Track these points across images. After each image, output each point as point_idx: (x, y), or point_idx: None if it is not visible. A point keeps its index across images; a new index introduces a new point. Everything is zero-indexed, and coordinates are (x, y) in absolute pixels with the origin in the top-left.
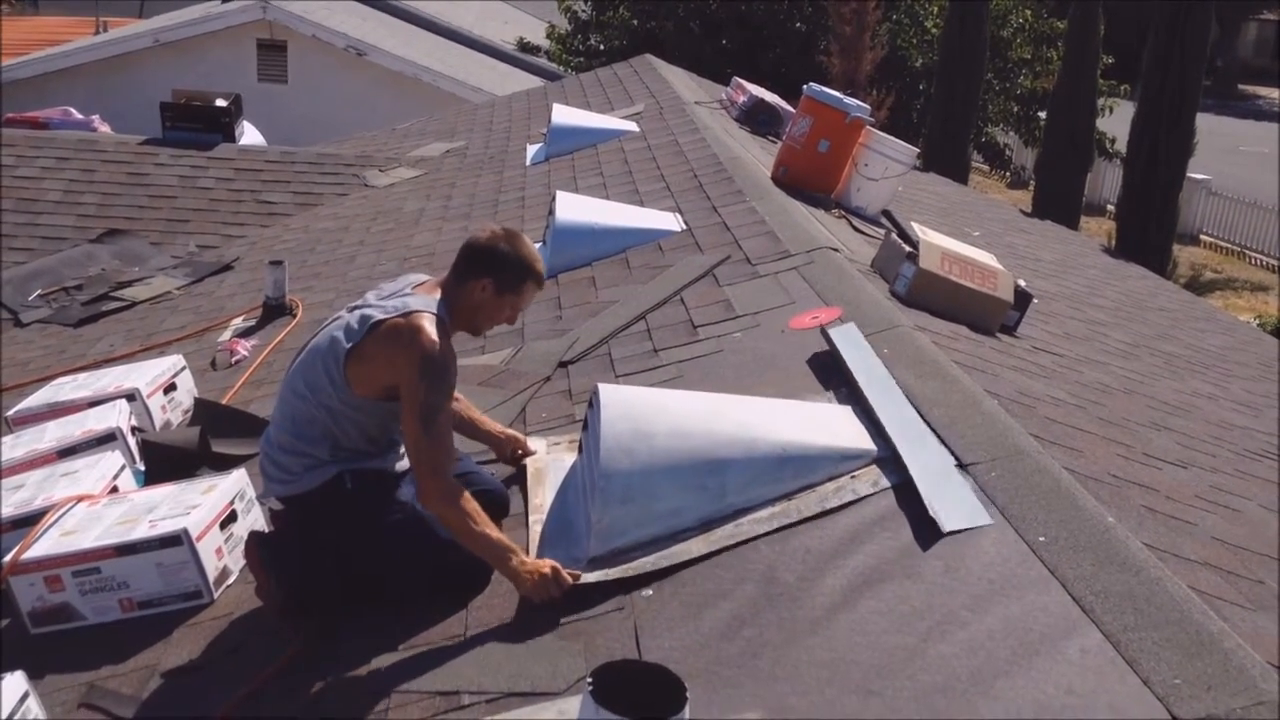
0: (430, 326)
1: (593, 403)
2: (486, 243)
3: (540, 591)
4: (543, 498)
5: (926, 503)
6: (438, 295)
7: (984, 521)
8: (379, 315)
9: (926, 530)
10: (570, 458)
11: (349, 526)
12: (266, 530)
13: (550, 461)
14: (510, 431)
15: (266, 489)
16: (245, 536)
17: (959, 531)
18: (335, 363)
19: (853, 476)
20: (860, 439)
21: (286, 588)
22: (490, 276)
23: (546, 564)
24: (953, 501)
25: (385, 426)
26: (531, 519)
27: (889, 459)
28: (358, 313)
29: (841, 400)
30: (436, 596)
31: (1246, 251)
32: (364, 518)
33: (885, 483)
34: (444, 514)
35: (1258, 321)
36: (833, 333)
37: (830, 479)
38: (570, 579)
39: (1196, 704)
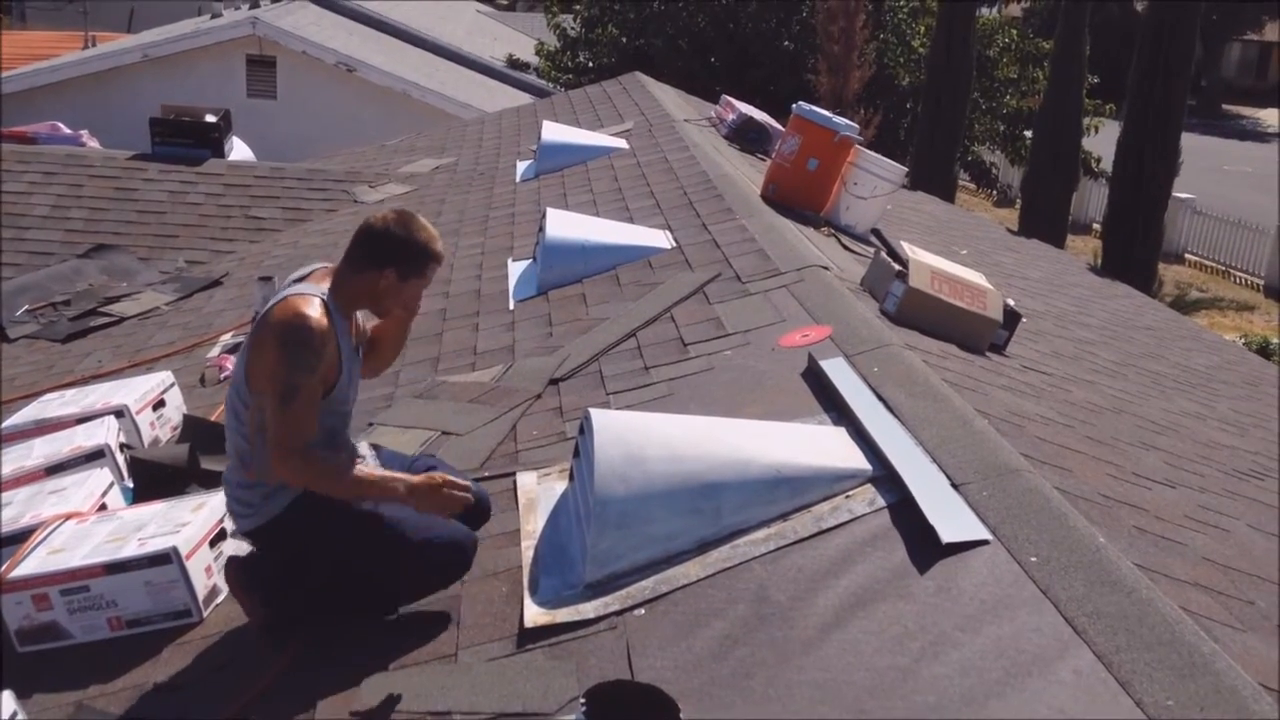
0: (299, 304)
1: (584, 428)
2: (382, 230)
3: (441, 503)
4: (534, 524)
5: (926, 514)
6: (327, 284)
7: (982, 535)
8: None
9: (920, 549)
10: (561, 486)
11: (320, 542)
12: (244, 554)
13: (541, 491)
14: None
15: (236, 526)
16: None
17: (956, 545)
18: (241, 380)
19: (848, 496)
20: (854, 458)
21: (271, 606)
22: (392, 266)
23: (437, 476)
24: (950, 516)
25: (320, 427)
26: (524, 544)
27: (884, 478)
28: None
29: (834, 422)
30: (421, 589)
31: (1231, 270)
32: (332, 531)
33: (881, 502)
34: (305, 478)
35: (1243, 340)
36: (824, 364)
37: (825, 499)
38: (462, 488)
39: None
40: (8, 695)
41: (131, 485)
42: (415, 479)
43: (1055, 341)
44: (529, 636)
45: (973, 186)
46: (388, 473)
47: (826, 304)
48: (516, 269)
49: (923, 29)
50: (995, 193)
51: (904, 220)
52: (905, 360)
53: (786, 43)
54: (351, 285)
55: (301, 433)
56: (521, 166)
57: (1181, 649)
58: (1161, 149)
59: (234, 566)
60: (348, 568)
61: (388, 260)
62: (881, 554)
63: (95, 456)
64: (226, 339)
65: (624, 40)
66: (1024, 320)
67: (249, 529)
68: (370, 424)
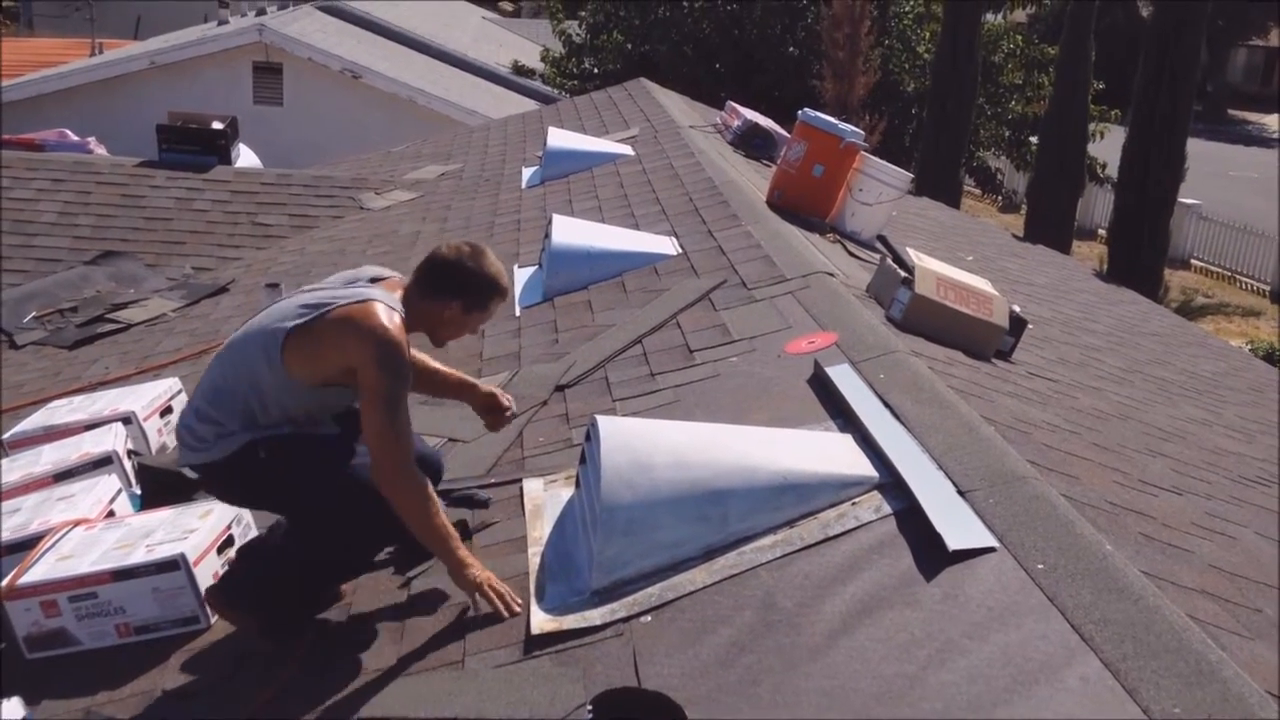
0: (388, 318)
1: (590, 435)
2: (454, 261)
3: (486, 595)
4: (541, 531)
5: (932, 521)
6: (398, 295)
7: (989, 543)
8: (334, 301)
9: (927, 556)
10: (567, 492)
11: (268, 493)
12: (215, 580)
13: (548, 497)
14: (489, 387)
15: (181, 457)
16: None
17: (963, 552)
18: (274, 341)
19: (854, 503)
20: (860, 465)
21: (260, 613)
22: (459, 299)
23: (492, 579)
24: (957, 523)
25: (312, 412)
26: (530, 551)
27: (890, 485)
28: (313, 295)
29: (841, 428)
30: (384, 540)
31: (1237, 276)
32: (282, 483)
33: (887, 509)
34: (406, 506)
35: (1249, 346)
36: (830, 371)
37: (832, 505)
38: (515, 606)
39: None
40: (17, 701)
41: (139, 492)
42: (474, 561)
43: (1061, 348)
44: (536, 643)
45: (978, 192)
46: (454, 531)
47: (832, 310)
48: (522, 275)
49: (928, 35)
50: (1001, 198)
51: (909, 226)
52: (911, 367)
53: (791, 48)
54: (416, 308)
55: (410, 445)
56: (527, 173)
57: (1188, 656)
58: (1167, 154)
59: (211, 595)
60: (299, 515)
61: (456, 292)
62: (888, 561)
63: (103, 463)
64: None
65: (629, 46)
66: (1030, 327)
67: (197, 462)
68: None
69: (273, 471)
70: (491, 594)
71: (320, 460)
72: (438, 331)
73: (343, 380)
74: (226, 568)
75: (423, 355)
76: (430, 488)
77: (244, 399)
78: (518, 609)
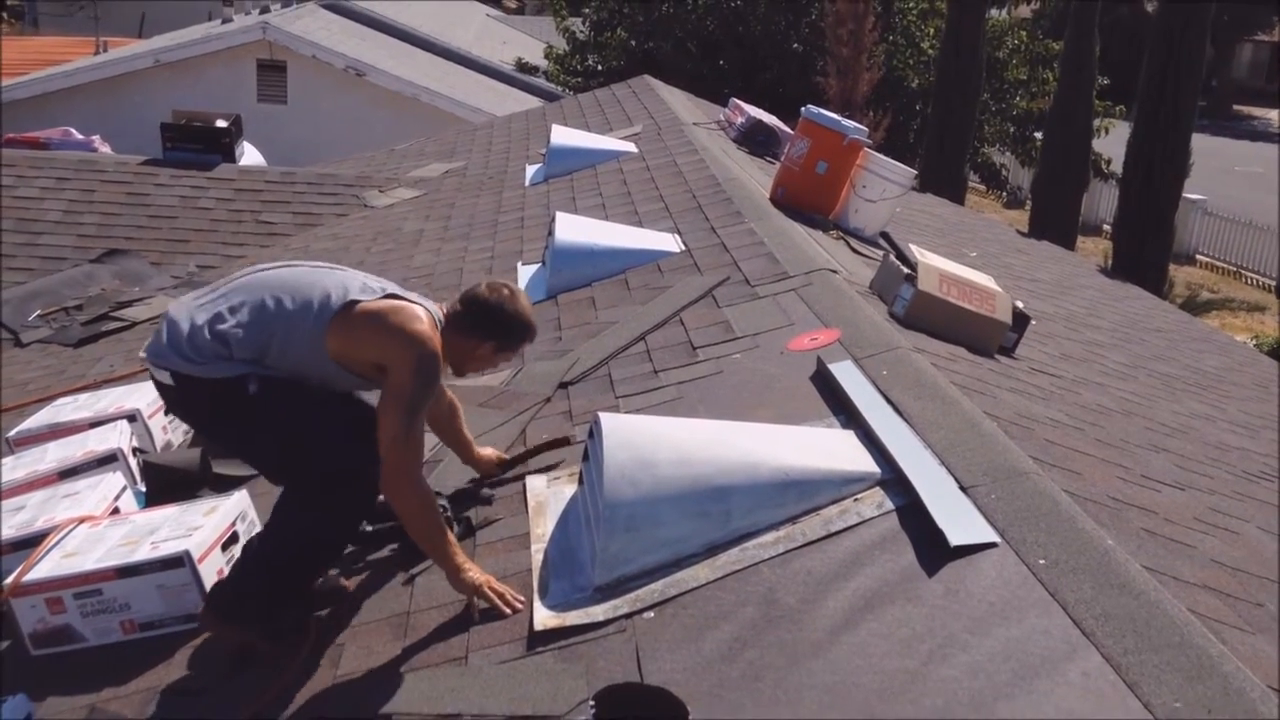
0: (434, 331)
1: (593, 432)
2: (495, 304)
3: (484, 597)
4: (544, 528)
5: (934, 517)
6: (444, 312)
7: (991, 538)
8: (401, 294)
9: (929, 552)
10: (570, 489)
11: (242, 432)
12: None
13: (551, 494)
14: (482, 451)
15: (161, 355)
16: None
17: (965, 548)
18: (334, 302)
19: (856, 499)
20: (863, 461)
21: (252, 626)
22: (494, 340)
23: (491, 580)
24: (959, 519)
25: (324, 380)
26: (533, 547)
27: (893, 481)
28: (378, 282)
29: (843, 425)
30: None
31: (1243, 271)
32: (263, 426)
33: (890, 505)
34: (407, 511)
35: (1254, 342)
36: (833, 368)
37: (834, 502)
38: (516, 604)
39: None
40: (22, 698)
41: (144, 489)
42: (472, 564)
43: (1065, 344)
44: (539, 639)
45: (982, 188)
46: (451, 537)
47: (835, 307)
48: (526, 273)
49: (932, 31)
50: (1005, 194)
51: (913, 223)
52: (914, 363)
53: (795, 45)
54: (449, 341)
55: (420, 453)
56: (530, 170)
57: (1190, 651)
58: (1172, 150)
59: (202, 619)
60: (274, 460)
61: (491, 332)
62: (890, 557)
63: (108, 460)
64: None
65: (633, 43)
66: (1033, 323)
67: (179, 371)
68: None
69: (256, 411)
70: (491, 594)
71: (309, 416)
72: (464, 365)
73: (363, 373)
74: (217, 581)
75: (450, 393)
76: (431, 495)
77: (269, 336)
78: (519, 606)
